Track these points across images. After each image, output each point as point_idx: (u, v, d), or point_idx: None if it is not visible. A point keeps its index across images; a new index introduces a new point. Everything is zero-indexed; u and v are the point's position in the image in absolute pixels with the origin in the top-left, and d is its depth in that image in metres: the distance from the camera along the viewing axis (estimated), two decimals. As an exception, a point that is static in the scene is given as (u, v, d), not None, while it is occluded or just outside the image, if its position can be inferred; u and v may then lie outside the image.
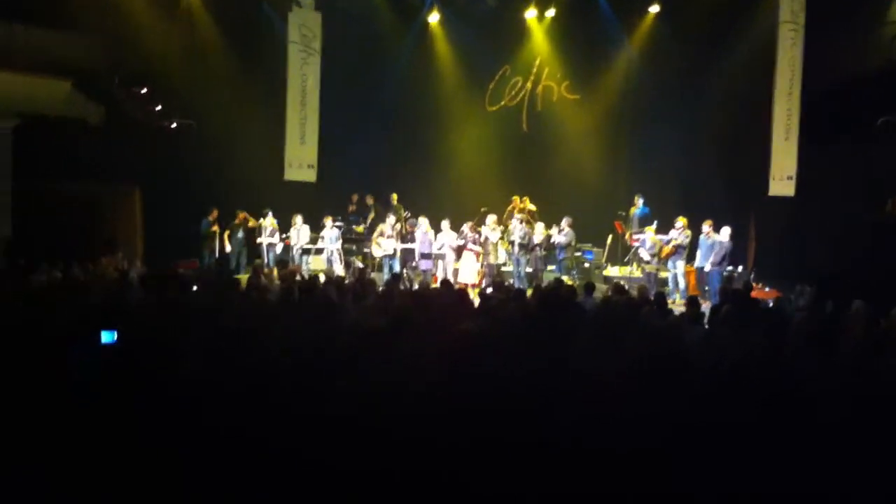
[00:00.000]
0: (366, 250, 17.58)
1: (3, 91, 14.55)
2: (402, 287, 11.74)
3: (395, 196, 18.83)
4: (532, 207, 17.94)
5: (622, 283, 11.55)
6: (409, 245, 16.95)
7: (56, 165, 15.24)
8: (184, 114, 17.59)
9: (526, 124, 20.32)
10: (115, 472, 3.79)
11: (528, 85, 20.18)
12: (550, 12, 18.81)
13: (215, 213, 16.87)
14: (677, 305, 12.79)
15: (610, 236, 17.64)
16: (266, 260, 16.70)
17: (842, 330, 6.92)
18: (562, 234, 16.20)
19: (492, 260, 16.43)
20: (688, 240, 15.11)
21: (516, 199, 18.02)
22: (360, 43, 19.07)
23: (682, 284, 15.06)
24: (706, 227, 15.04)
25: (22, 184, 15.19)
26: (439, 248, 16.40)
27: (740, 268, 16.09)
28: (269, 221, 17.01)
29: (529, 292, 11.39)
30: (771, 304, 10.80)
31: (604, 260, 17.51)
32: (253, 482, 3.79)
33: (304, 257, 16.72)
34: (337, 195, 19.09)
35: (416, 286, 13.08)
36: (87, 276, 11.76)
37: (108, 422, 4.09)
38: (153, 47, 16.56)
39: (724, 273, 14.83)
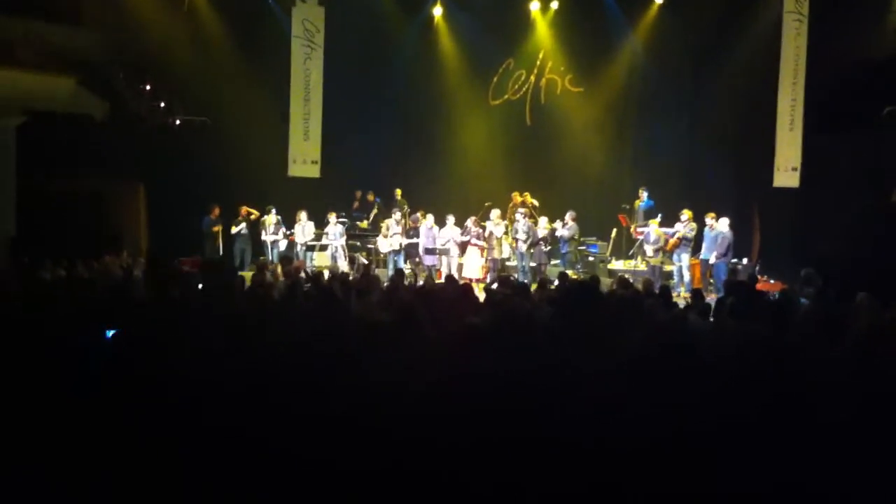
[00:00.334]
0: (370, 246, 17.59)
1: (8, 88, 14.55)
2: (406, 283, 11.76)
3: (398, 191, 18.86)
4: (534, 202, 17.92)
5: (627, 276, 11.52)
6: (413, 240, 16.95)
7: (60, 162, 15.29)
8: (188, 110, 17.60)
9: (529, 118, 20.27)
10: (117, 471, 3.79)
11: (532, 78, 20.13)
12: (554, 4, 18.82)
13: (217, 211, 16.87)
14: (682, 298, 12.76)
15: (614, 230, 17.62)
16: (270, 257, 16.67)
17: (848, 321, 6.89)
18: (566, 227, 16.18)
19: (496, 255, 16.45)
20: (693, 232, 15.10)
21: (516, 194, 18.01)
22: (364, 38, 19.11)
23: (686, 277, 15.05)
24: (709, 219, 15.03)
25: (26, 181, 15.20)
26: (444, 244, 16.41)
27: (745, 260, 16.07)
28: (272, 218, 16.99)
29: (534, 287, 11.37)
30: (777, 296, 10.78)
31: (608, 253, 17.49)
32: (254, 481, 3.79)
33: (309, 253, 16.72)
34: (341, 191, 19.14)
35: (420, 282, 13.08)
36: (91, 274, 11.76)
37: (110, 420, 4.08)
38: (158, 43, 16.61)
39: (729, 265, 14.84)
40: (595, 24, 19.02)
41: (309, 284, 9.91)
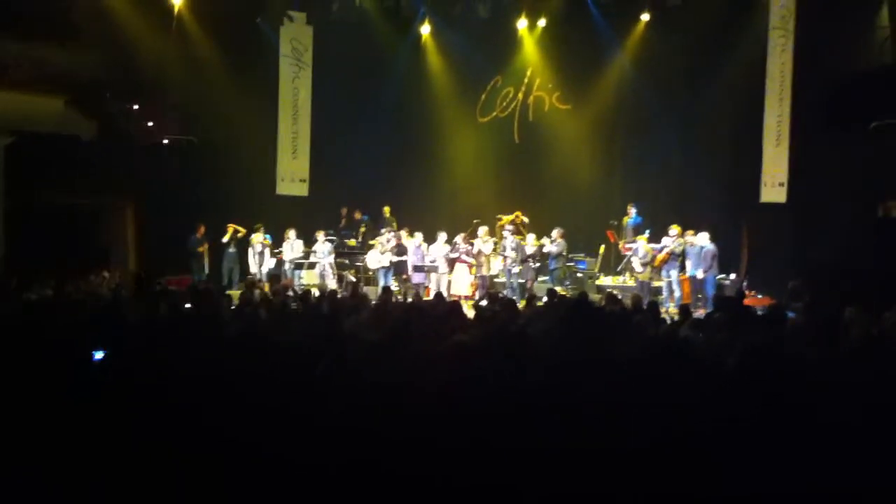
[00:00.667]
0: (358, 264, 17.56)
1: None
2: (395, 300, 11.76)
3: (387, 209, 18.86)
4: (524, 219, 17.94)
5: (615, 292, 11.55)
6: (401, 258, 16.94)
7: (49, 181, 15.23)
8: (177, 129, 17.60)
9: (518, 135, 20.30)
10: (107, 487, 3.78)
11: (520, 95, 20.19)
12: (542, 22, 18.85)
13: (203, 230, 16.83)
14: (671, 314, 12.78)
15: (603, 246, 17.64)
16: (258, 275, 16.60)
17: (837, 334, 6.92)
18: (554, 244, 16.19)
19: (485, 271, 16.45)
20: (681, 248, 15.12)
21: (502, 216, 18.01)
22: (352, 56, 19.15)
23: (677, 293, 15.07)
24: (689, 237, 15.09)
25: (14, 200, 15.15)
26: (432, 261, 16.41)
27: (732, 275, 16.11)
28: (260, 237, 16.95)
29: (522, 304, 11.39)
30: (763, 312, 10.80)
31: (597, 269, 17.48)
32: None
33: (297, 272, 16.67)
34: (330, 209, 19.16)
35: (409, 299, 13.08)
36: (79, 294, 11.71)
37: (99, 439, 4.07)
38: (147, 63, 16.61)
39: (717, 278, 14.91)
40: (582, 41, 19.05)
41: (297, 303, 9.92)
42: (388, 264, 16.71)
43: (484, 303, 11.05)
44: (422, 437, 3.98)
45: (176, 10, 16.96)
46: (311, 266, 16.81)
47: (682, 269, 15.28)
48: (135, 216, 17.63)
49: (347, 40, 18.92)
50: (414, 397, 4.44)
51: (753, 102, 16.50)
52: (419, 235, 16.80)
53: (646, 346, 6.30)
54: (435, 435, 3.99)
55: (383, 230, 17.47)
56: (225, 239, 16.89)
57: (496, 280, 16.99)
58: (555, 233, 16.28)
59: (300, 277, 16.51)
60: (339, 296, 11.95)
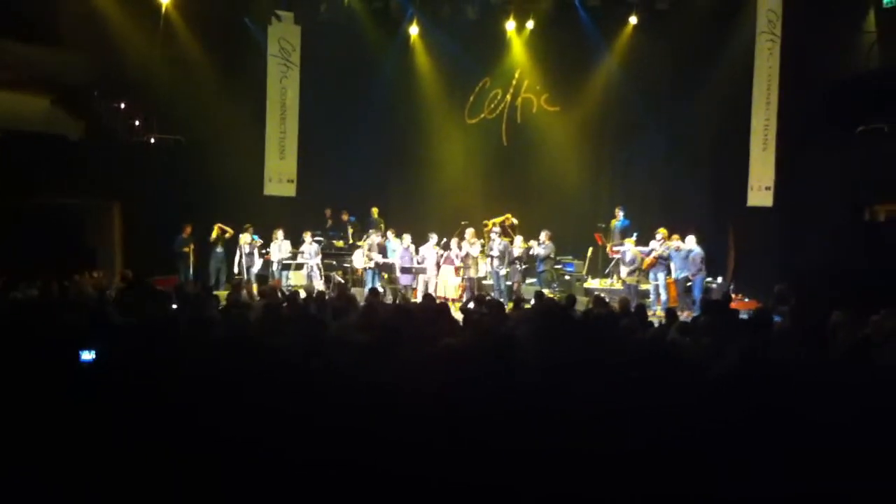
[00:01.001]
0: (345, 265, 17.54)
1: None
2: (382, 301, 11.74)
3: (375, 210, 18.85)
4: (514, 221, 17.93)
5: (603, 295, 11.55)
6: (389, 259, 16.93)
7: (35, 181, 15.13)
8: (164, 129, 17.55)
9: (506, 137, 20.28)
10: (95, 488, 3.77)
11: (508, 97, 20.18)
12: (530, 23, 18.83)
13: (189, 230, 16.78)
14: (658, 317, 12.81)
15: (590, 248, 17.66)
16: (246, 275, 16.56)
17: (824, 338, 6.95)
18: (541, 246, 16.20)
19: (472, 274, 16.43)
20: (668, 251, 15.16)
21: (489, 222, 17.98)
22: (341, 56, 19.16)
23: (664, 296, 15.09)
24: (675, 241, 15.13)
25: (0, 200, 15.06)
26: (420, 263, 16.41)
27: (720, 279, 16.16)
28: (248, 237, 16.91)
29: (510, 306, 11.39)
30: (750, 315, 10.83)
31: (584, 272, 17.49)
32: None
33: (284, 272, 16.63)
34: (317, 210, 19.17)
35: (397, 301, 13.07)
36: (66, 294, 11.64)
37: (86, 439, 4.06)
38: (134, 62, 16.54)
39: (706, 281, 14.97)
40: (571, 43, 19.05)
41: (285, 304, 9.89)
42: (373, 265, 16.69)
43: (471, 305, 11.05)
44: (413, 439, 3.98)
45: (163, 9, 16.90)
46: (299, 267, 16.78)
47: (669, 272, 15.32)
48: (121, 216, 17.51)
49: (336, 41, 18.91)
50: (405, 399, 4.44)
51: (741, 106, 16.54)
52: (407, 237, 16.79)
53: (634, 349, 6.33)
54: (427, 437, 4.00)
55: (371, 231, 17.47)
56: (211, 238, 16.85)
57: (483, 282, 16.98)
58: (543, 235, 16.29)
59: (288, 278, 16.48)
60: (326, 297, 11.91)
